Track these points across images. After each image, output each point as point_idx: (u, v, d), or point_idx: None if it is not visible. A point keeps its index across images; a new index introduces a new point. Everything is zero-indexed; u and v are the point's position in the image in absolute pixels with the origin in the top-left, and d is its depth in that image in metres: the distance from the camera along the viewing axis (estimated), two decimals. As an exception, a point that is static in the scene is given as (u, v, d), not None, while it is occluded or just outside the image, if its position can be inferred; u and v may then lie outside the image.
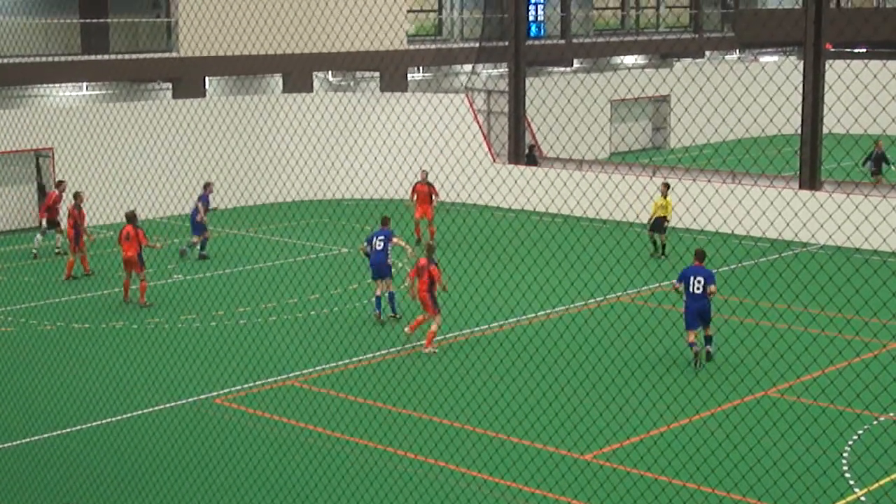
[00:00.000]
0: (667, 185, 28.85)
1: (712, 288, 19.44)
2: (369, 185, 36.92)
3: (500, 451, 15.94)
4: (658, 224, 28.59)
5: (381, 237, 22.90)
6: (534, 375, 18.71)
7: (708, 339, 19.85)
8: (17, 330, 22.69)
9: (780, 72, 43.83)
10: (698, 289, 19.56)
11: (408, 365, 19.86)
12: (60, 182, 29.95)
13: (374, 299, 23.08)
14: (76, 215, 26.80)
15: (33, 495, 14.67)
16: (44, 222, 29.28)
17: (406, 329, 21.03)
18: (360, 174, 37.48)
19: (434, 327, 20.82)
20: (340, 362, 20.21)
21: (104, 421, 17.44)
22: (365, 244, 23.19)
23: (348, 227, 33.24)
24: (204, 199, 28.97)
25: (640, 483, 14.73)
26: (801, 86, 30.84)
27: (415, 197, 30.31)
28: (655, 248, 28.81)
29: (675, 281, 20.22)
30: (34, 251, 29.31)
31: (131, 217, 24.65)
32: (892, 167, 35.87)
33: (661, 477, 14.93)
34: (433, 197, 30.29)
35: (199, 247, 29.16)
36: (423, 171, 30.57)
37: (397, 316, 23.01)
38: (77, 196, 27.21)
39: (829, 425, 16.30)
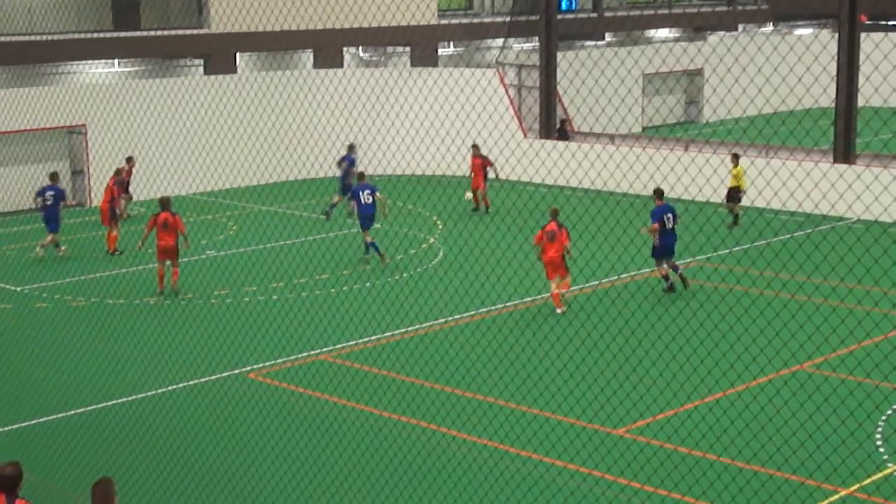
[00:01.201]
0: (736, 156, 28.98)
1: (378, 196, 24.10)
2: (401, 159, 36.84)
3: (533, 425, 15.88)
4: (731, 194, 28.76)
5: (368, 191, 25.75)
6: (567, 349, 18.62)
7: (675, 267, 22.35)
8: (51, 306, 22.80)
9: (817, 41, 43.38)
10: (670, 223, 22.17)
11: (440, 339, 19.82)
12: (130, 158, 31.07)
13: (363, 246, 25.95)
14: (115, 191, 27.21)
15: (69, 469, 14.74)
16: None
17: (557, 311, 21.53)
18: (391, 150, 37.39)
19: (565, 287, 21.73)
20: (373, 337, 20.19)
21: (138, 396, 17.50)
22: (350, 199, 26.74)
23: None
24: (349, 159, 30.13)
25: (674, 457, 14.64)
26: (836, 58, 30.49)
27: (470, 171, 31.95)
28: (734, 221, 28.88)
29: (653, 223, 22.34)
30: (128, 214, 30.74)
31: (166, 203, 23.34)
32: None
33: (693, 451, 14.83)
34: (487, 169, 31.48)
35: (331, 206, 30.30)
36: (475, 144, 31.62)
37: (374, 256, 25.76)
38: (119, 172, 27.98)
39: (865, 399, 16.12)
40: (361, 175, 26.88)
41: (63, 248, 27.12)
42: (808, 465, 14.05)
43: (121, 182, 28.48)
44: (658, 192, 22.70)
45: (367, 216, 25.61)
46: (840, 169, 29.36)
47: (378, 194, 25.88)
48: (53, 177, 27.56)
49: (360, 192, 25.74)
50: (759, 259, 24.05)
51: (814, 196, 28.87)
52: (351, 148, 31.52)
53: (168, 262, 23.37)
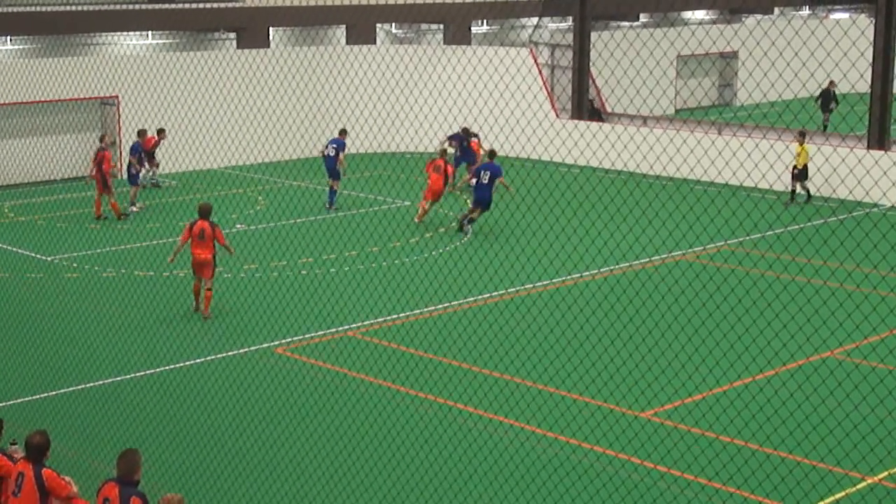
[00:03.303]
0: (802, 133, 29.11)
1: (500, 180, 25.83)
2: (433, 137, 36.72)
3: (561, 407, 15.81)
4: (799, 173, 29.06)
5: (334, 145, 28.90)
6: (595, 331, 18.52)
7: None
8: (81, 276, 22.88)
9: (854, 26, 42.92)
10: (485, 180, 25.71)
11: (469, 318, 19.76)
12: (161, 130, 31.26)
13: (328, 192, 29.11)
14: (101, 158, 27.41)
15: (95, 440, 14.80)
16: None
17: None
18: (424, 127, 37.29)
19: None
20: (401, 314, 20.16)
21: (165, 368, 17.55)
22: (328, 147, 29.09)
23: (410, 180, 33.12)
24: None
25: (701, 441, 14.54)
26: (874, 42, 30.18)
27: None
28: (792, 198, 29.28)
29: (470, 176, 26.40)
30: (155, 183, 31.95)
31: (205, 210, 20.09)
32: None
33: (721, 436, 14.73)
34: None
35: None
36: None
37: (335, 208, 28.75)
38: (103, 139, 28.13)
39: (895, 387, 15.98)
40: (493, 153, 27.14)
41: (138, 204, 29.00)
42: (837, 453, 13.93)
43: (139, 147, 29.28)
44: (490, 153, 26.98)
45: (328, 167, 28.74)
46: (875, 155, 29.08)
47: (342, 155, 28.78)
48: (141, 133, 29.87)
49: (329, 145, 28.38)
50: (791, 244, 23.85)
51: (848, 182, 28.64)
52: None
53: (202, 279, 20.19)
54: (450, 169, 27.86)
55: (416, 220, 27.53)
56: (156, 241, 25.74)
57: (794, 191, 29.45)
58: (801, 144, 28.98)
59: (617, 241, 23.19)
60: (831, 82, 37.96)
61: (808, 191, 29.55)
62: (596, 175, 33.28)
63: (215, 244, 19.90)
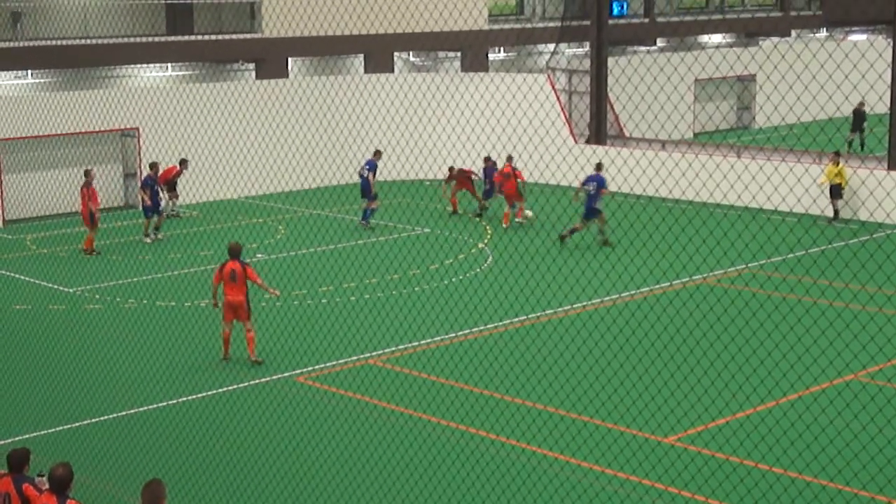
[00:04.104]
0: (837, 153, 29.69)
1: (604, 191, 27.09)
2: (451, 164, 36.74)
3: (583, 433, 15.76)
4: (833, 190, 29.54)
5: (367, 166, 30.01)
6: (617, 357, 18.49)
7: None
8: (103, 308, 22.97)
9: (872, 48, 42.87)
10: (592, 191, 26.93)
11: (490, 344, 19.75)
12: (184, 160, 31.58)
13: (362, 212, 30.25)
14: (86, 194, 27.34)
15: (119, 471, 14.82)
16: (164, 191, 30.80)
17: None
18: (442, 155, 37.35)
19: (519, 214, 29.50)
20: (422, 342, 20.16)
21: (189, 398, 17.58)
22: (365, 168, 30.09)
23: (430, 207, 33.18)
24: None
25: (726, 466, 14.47)
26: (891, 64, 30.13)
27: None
28: (836, 215, 29.78)
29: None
30: (175, 213, 32.20)
31: (235, 251, 19.07)
32: None
33: (745, 461, 14.65)
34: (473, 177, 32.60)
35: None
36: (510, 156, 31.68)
37: (368, 225, 30.01)
38: (88, 174, 27.92)
39: (922, 410, 15.89)
40: (599, 165, 28.15)
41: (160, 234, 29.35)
42: (862, 477, 13.84)
43: (150, 180, 29.14)
44: (598, 165, 28.06)
45: (362, 187, 29.62)
46: (895, 177, 28.99)
47: (372, 175, 29.81)
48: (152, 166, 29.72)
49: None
50: (812, 267, 23.77)
51: (869, 204, 28.55)
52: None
53: (238, 323, 19.30)
54: (518, 174, 29.99)
55: (503, 224, 30.13)
56: (177, 272, 25.84)
57: (836, 210, 29.82)
58: (837, 164, 29.33)
59: (637, 266, 23.17)
60: (861, 102, 38.40)
61: (836, 210, 29.72)
62: (615, 200, 33.26)
63: (249, 284, 18.92)
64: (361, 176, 30.20)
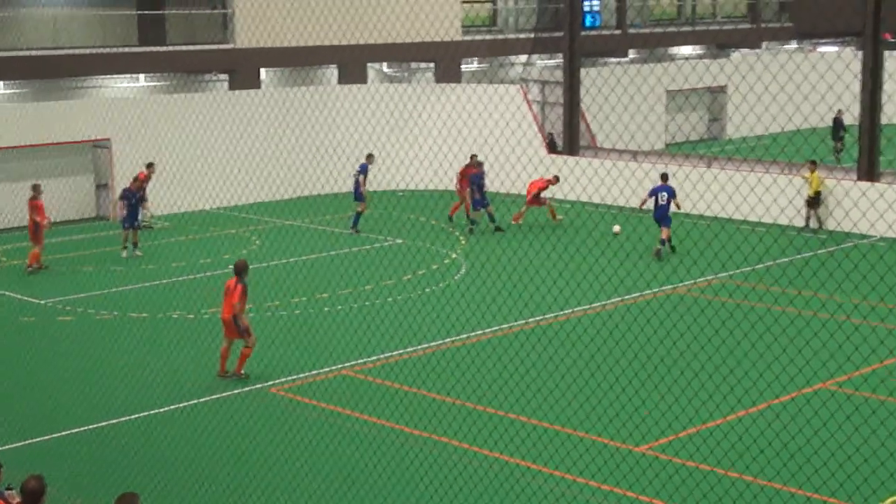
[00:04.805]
0: (813, 162, 29.89)
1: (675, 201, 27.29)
2: (423, 175, 36.89)
3: (555, 442, 15.87)
4: (811, 200, 29.81)
5: (359, 170, 30.87)
6: (588, 366, 18.61)
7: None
8: (74, 319, 22.93)
9: (840, 60, 43.30)
10: (663, 201, 27.07)
11: (462, 355, 19.83)
12: (151, 164, 31.42)
13: (353, 216, 31.01)
14: (32, 207, 27.06)
15: (92, 484, 14.81)
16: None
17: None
18: (415, 165, 37.47)
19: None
20: (395, 352, 20.22)
21: (162, 410, 17.57)
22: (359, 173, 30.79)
23: (402, 217, 33.26)
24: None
25: (696, 474, 14.60)
26: (860, 75, 30.46)
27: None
28: (806, 224, 29.93)
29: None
30: (147, 224, 31.59)
31: (237, 267, 18.70)
32: None
33: (716, 469, 14.79)
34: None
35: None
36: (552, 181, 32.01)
37: (358, 230, 30.69)
38: (35, 188, 27.54)
39: (888, 417, 16.07)
40: (665, 176, 28.26)
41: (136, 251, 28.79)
42: (831, 484, 13.99)
43: (129, 193, 28.62)
44: (663, 176, 28.12)
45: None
46: (863, 186, 29.30)
47: (362, 177, 30.54)
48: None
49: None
50: (781, 277, 23.98)
51: (836, 214, 28.83)
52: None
53: (234, 340, 18.92)
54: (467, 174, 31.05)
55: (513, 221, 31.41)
56: (149, 283, 25.81)
57: (808, 217, 29.98)
58: (813, 173, 29.62)
59: (608, 276, 23.31)
60: (839, 111, 38.91)
61: (819, 219, 30.01)
62: (586, 210, 33.45)
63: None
64: (355, 180, 31.12)
